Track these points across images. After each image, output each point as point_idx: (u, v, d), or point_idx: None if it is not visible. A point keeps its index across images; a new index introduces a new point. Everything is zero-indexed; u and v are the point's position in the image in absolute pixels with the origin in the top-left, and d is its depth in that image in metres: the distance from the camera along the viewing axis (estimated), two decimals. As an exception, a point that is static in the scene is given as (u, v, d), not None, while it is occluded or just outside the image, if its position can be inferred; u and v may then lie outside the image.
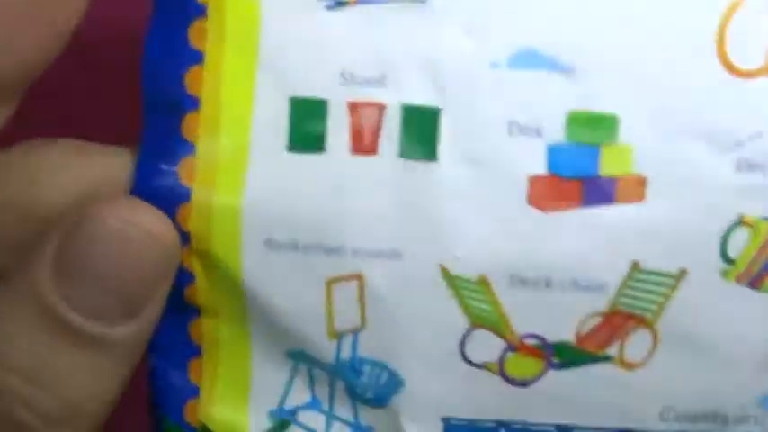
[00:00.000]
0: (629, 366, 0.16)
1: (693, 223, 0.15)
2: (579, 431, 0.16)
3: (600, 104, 0.15)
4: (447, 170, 0.15)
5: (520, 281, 0.15)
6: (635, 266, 0.15)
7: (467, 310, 0.16)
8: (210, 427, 0.16)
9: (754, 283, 0.16)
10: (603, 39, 0.15)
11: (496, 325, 0.16)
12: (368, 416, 0.17)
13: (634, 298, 0.16)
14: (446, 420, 0.16)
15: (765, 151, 0.15)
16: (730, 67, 0.15)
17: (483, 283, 0.15)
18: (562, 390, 0.16)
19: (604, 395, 0.16)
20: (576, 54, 0.15)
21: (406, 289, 0.16)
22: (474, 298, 0.16)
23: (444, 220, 0.15)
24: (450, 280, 0.15)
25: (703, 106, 0.15)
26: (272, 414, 0.17)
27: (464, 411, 0.16)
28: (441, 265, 0.15)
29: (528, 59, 0.15)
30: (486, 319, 0.16)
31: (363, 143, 0.15)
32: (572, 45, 0.15)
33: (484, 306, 0.16)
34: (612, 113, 0.15)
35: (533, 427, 0.16)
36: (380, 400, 0.16)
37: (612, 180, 0.15)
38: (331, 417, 0.17)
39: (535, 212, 0.15)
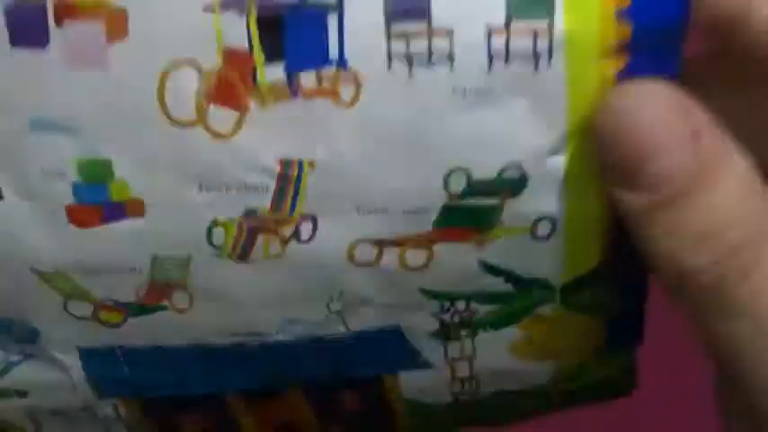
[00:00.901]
0: (180, 311, 0.23)
1: (181, 229, 0.21)
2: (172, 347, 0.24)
3: (97, 153, 0.21)
4: (11, 206, 0.21)
5: (85, 271, 0.22)
6: (154, 259, 0.22)
7: (60, 291, 0.23)
8: None
9: (243, 257, 0.22)
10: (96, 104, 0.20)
11: (84, 296, 0.23)
12: (30, 349, 0.24)
13: (164, 274, 0.22)
14: (80, 349, 0.24)
15: (216, 179, 0.20)
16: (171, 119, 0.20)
17: (62, 275, 0.22)
18: (144, 329, 0.23)
19: (175, 329, 0.23)
20: (76, 119, 0.20)
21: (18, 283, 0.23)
22: (61, 284, 0.22)
23: (21, 247, 0.22)
24: (40, 275, 0.22)
25: (167, 147, 0.20)
26: None
27: (91, 343, 0.24)
28: (31, 266, 0.22)
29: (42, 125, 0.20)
30: (75, 294, 0.23)
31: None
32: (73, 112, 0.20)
33: (68, 287, 0.22)
34: (107, 158, 0.21)
35: (139, 347, 0.24)
36: (31, 340, 0.24)
37: (121, 203, 0.21)
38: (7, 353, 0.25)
39: (76, 228, 0.21)
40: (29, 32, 0.19)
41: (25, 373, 0.25)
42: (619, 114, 0.18)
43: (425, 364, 0.24)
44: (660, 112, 0.18)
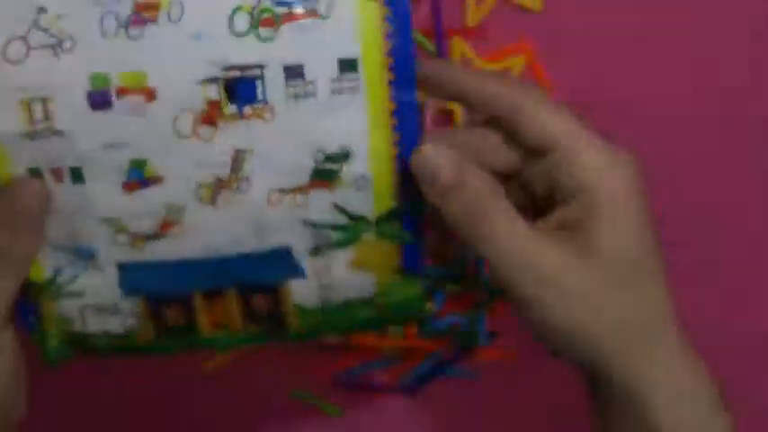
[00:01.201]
0: (176, 237, 0.43)
1: (182, 190, 0.42)
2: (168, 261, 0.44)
3: (140, 155, 0.42)
4: (90, 186, 0.42)
5: (129, 216, 0.43)
6: (168, 207, 0.43)
7: (113, 227, 0.43)
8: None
9: (213, 203, 0.43)
10: (138, 132, 0.42)
11: (126, 231, 0.43)
12: (87, 263, 0.44)
13: (171, 215, 0.43)
14: (118, 263, 0.44)
15: (202, 162, 0.42)
16: (179, 135, 0.42)
17: (116, 219, 0.43)
18: (154, 249, 0.44)
19: (170, 249, 0.44)
20: (128, 141, 0.42)
21: (90, 224, 0.43)
22: (115, 224, 0.43)
23: (95, 205, 0.42)
24: (104, 220, 0.43)
25: (177, 149, 0.42)
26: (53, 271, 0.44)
27: (125, 258, 0.44)
28: (99, 216, 0.43)
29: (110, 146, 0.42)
30: (121, 230, 0.43)
31: None
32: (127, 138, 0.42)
33: (119, 226, 0.43)
34: (144, 158, 0.42)
35: (150, 262, 0.44)
36: (90, 257, 0.44)
37: (149, 178, 0.42)
38: (74, 267, 0.44)
39: (126, 192, 0.42)
40: (100, 103, 0.41)
41: (84, 280, 0.44)
42: (421, 158, 0.39)
43: (303, 274, 0.46)
44: (437, 155, 0.38)
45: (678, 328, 0.38)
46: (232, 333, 0.47)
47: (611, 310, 0.37)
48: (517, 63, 0.54)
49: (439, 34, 0.53)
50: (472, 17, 0.53)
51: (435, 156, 0.39)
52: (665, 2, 0.54)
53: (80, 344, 0.46)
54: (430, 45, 0.53)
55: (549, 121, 0.38)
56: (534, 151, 0.39)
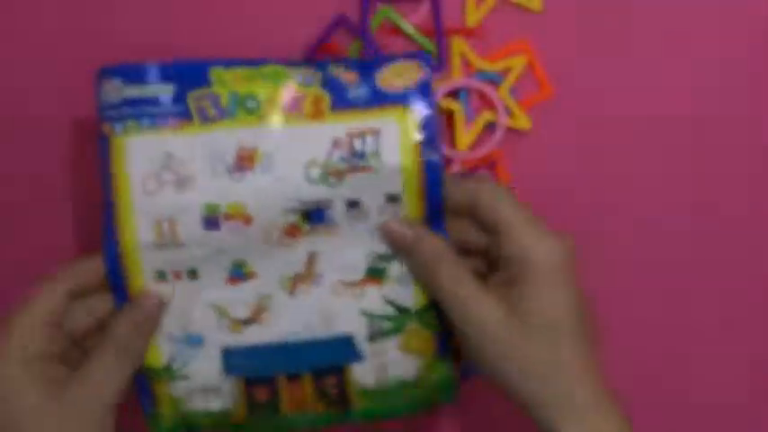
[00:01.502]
0: (265, 322, 0.57)
1: (270, 283, 0.56)
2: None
3: (241, 258, 0.56)
4: (203, 281, 0.56)
5: (231, 303, 0.57)
6: (260, 297, 0.56)
7: (218, 314, 0.57)
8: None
9: (293, 293, 0.56)
10: (239, 243, 0.56)
11: (228, 316, 0.57)
12: (197, 349, 0.57)
13: (261, 304, 0.57)
14: (222, 348, 0.57)
15: (286, 262, 0.57)
16: (268, 243, 0.56)
17: (222, 307, 0.57)
18: (250, 334, 0.57)
19: (262, 334, 0.57)
20: (234, 250, 0.57)
21: (200, 314, 0.57)
22: (220, 311, 0.56)
23: (208, 297, 0.56)
24: (213, 307, 0.57)
25: (268, 253, 0.56)
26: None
27: (226, 343, 0.57)
28: (207, 304, 0.57)
29: (220, 251, 0.56)
30: (224, 315, 0.57)
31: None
32: (231, 246, 0.57)
33: (222, 312, 0.57)
34: (244, 259, 0.56)
35: (246, 346, 0.57)
36: (198, 344, 0.57)
37: (246, 273, 0.56)
38: (183, 354, 0.58)
39: (230, 285, 0.56)
40: (212, 225, 0.56)
41: (192, 364, 0.57)
42: (389, 230, 0.53)
43: (363, 357, 0.58)
44: (401, 226, 0.53)
45: (593, 384, 0.45)
46: (307, 414, 0.57)
47: (527, 362, 0.46)
48: (517, 63, 0.54)
49: (439, 34, 0.54)
50: (472, 17, 0.54)
51: (400, 226, 0.52)
52: (665, 3, 0.55)
53: (186, 423, 0.58)
54: (430, 45, 0.55)
55: (498, 207, 0.48)
56: (490, 230, 0.49)
